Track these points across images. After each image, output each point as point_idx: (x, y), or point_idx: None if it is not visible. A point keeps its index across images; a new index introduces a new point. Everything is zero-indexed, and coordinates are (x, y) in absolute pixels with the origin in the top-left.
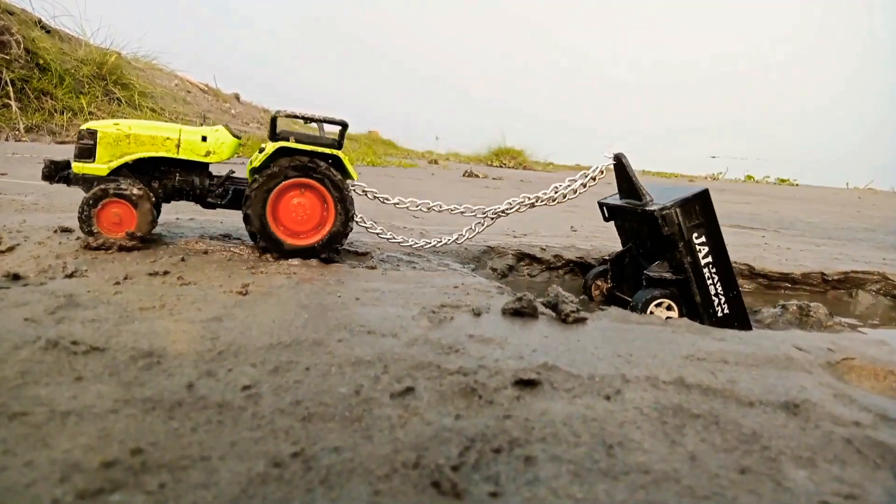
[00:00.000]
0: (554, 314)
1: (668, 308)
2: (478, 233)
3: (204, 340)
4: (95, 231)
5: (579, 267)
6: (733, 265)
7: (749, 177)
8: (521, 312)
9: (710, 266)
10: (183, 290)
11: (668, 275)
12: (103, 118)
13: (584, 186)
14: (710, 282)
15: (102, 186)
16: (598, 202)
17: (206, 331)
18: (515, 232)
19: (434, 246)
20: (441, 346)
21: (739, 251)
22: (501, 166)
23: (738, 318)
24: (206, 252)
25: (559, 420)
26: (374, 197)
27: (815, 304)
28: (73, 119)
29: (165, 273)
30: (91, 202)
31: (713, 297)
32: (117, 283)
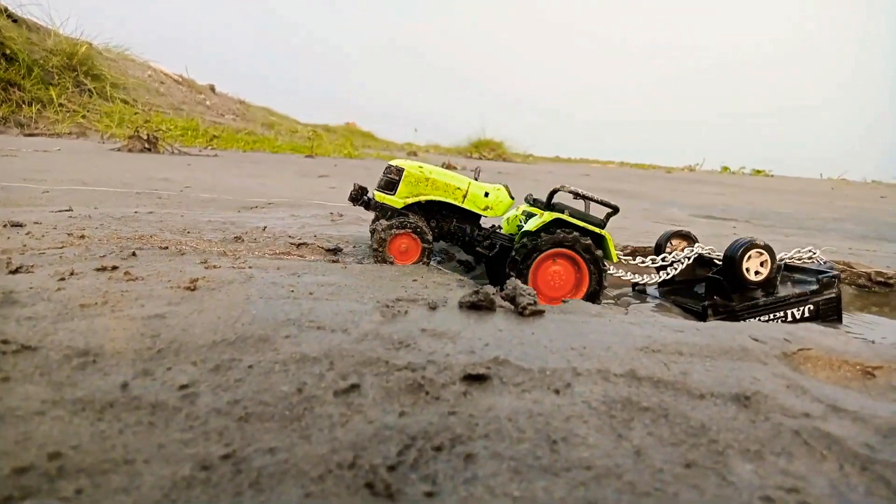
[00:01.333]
0: (512, 307)
1: (760, 255)
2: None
3: (144, 338)
4: (387, 256)
5: None
6: (701, 257)
7: (724, 168)
8: (477, 306)
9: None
10: (129, 285)
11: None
12: (74, 110)
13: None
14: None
15: (403, 220)
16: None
17: (147, 328)
18: None
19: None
20: (391, 342)
21: (708, 242)
22: (481, 158)
23: None
24: (161, 247)
25: (504, 416)
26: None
27: None
28: (41, 111)
29: (114, 268)
30: (391, 229)
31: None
32: (62, 280)
